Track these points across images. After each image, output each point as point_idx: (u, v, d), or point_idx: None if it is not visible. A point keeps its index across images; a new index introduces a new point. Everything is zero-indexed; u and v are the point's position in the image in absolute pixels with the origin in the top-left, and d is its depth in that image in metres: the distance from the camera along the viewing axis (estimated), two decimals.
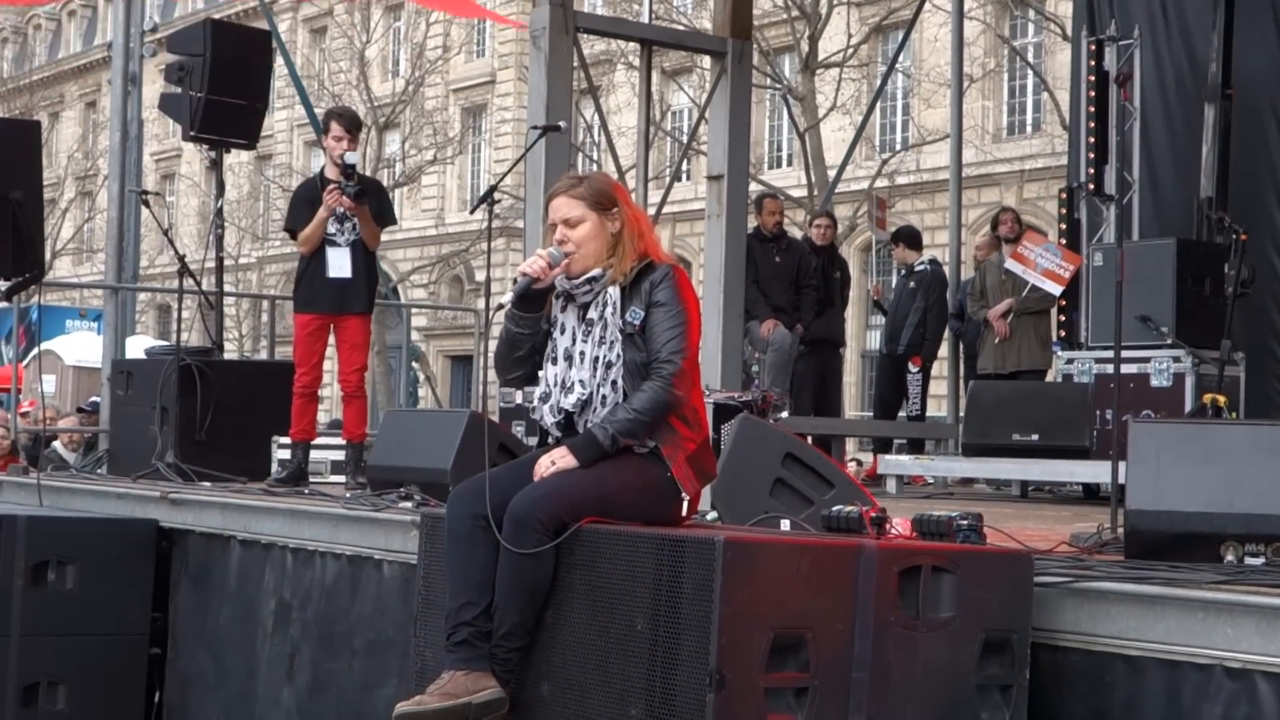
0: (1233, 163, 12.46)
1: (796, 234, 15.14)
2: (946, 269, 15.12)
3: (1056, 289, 12.78)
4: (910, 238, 14.71)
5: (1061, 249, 12.97)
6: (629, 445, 5.11)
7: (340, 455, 10.05)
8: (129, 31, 14.15)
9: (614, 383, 5.18)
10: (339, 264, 9.51)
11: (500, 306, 5.30)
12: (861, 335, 31.79)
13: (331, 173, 9.64)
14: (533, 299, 5.25)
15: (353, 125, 9.75)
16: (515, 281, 5.26)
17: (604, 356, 5.19)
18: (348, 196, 9.41)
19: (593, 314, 5.23)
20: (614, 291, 5.21)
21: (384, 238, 9.98)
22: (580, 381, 5.20)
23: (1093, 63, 13.37)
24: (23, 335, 19.80)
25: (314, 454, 10.01)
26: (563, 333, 5.29)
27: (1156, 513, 5.27)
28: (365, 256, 9.66)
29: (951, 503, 10.29)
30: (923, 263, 14.33)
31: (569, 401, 5.22)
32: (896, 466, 11.72)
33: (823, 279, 13.52)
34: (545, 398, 5.30)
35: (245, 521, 8.22)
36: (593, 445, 5.08)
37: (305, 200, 9.67)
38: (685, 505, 5.20)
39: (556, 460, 5.08)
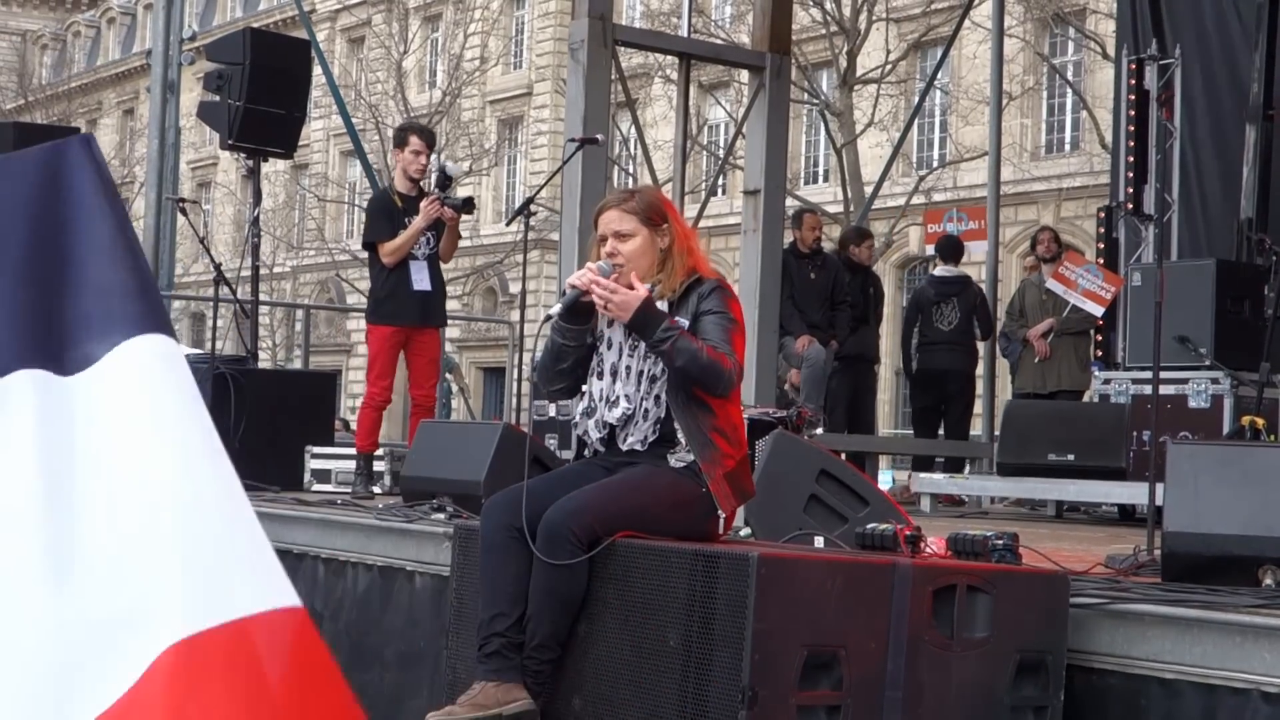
0: (1273, 184, 12.39)
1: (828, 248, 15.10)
2: (984, 286, 15.05)
3: (1098, 310, 12.71)
4: (941, 249, 14.66)
5: (1103, 270, 12.91)
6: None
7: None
8: (168, 39, 14.19)
9: (658, 397, 5.16)
10: (419, 277, 9.65)
11: (548, 318, 5.28)
12: (895, 352, 31.65)
13: (402, 185, 9.81)
14: (580, 312, 5.23)
15: (431, 140, 9.93)
16: (564, 294, 5.25)
17: (649, 371, 5.18)
18: (450, 208, 9.54)
19: None
20: (661, 306, 5.20)
21: None
22: (625, 396, 5.19)
23: (1133, 81, 13.32)
24: None
25: (345, 464, 10.04)
26: (609, 348, 5.27)
27: (1194, 535, 5.23)
28: (439, 270, 9.80)
29: (986, 522, 10.23)
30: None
31: (613, 415, 5.20)
32: (931, 485, 11.67)
33: (860, 295, 13.49)
34: (590, 412, 5.28)
35: (277, 531, 8.19)
36: (651, 320, 5.02)
37: (384, 213, 9.77)
38: (720, 522, 5.18)
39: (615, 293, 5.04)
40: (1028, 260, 15.35)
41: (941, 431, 14.02)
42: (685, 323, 5.15)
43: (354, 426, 15.48)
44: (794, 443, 6.52)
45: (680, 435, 5.15)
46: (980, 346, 14.34)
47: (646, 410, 5.17)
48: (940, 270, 14.11)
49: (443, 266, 9.93)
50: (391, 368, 9.79)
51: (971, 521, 10.32)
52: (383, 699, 7.21)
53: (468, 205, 9.69)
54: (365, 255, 10.16)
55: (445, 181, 9.72)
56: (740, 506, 5.38)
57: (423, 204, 9.60)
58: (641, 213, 5.27)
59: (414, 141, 9.83)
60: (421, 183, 9.89)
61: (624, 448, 5.21)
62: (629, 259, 5.22)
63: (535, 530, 4.95)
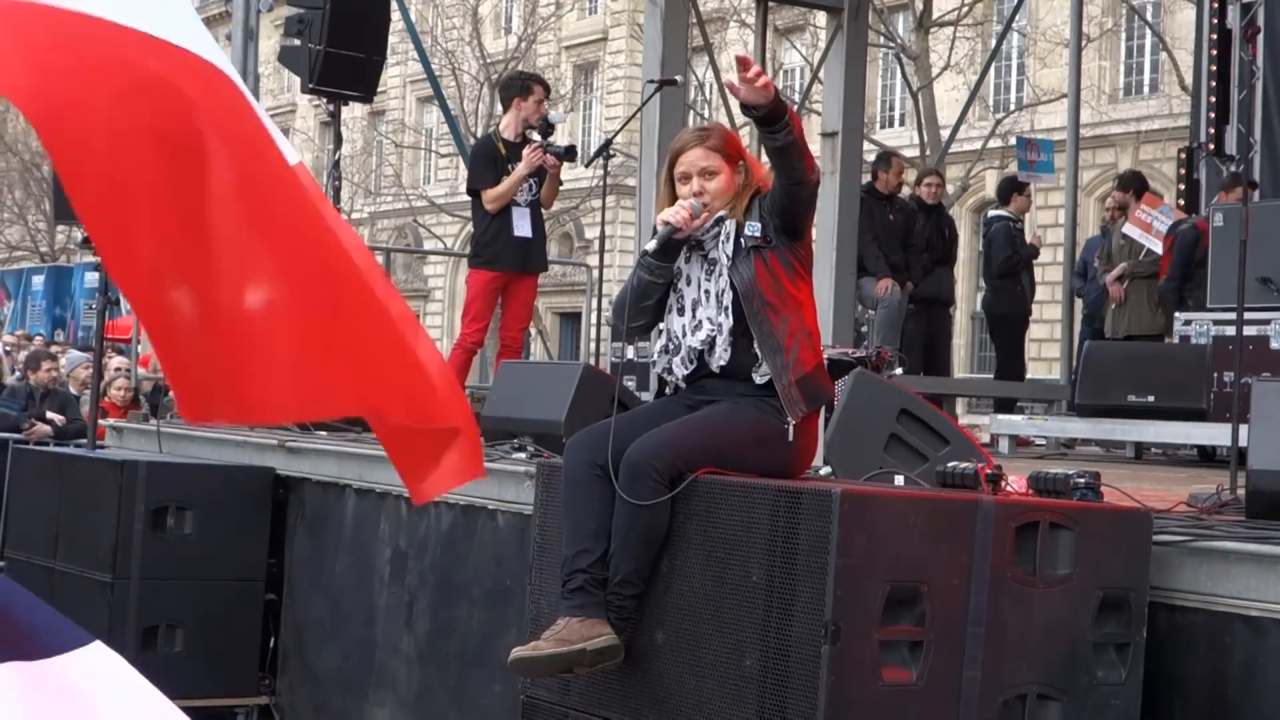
0: None
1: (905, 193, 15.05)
2: (1061, 230, 14.97)
3: (1160, 249, 12.65)
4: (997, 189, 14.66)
5: (1175, 211, 12.82)
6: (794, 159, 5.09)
7: None
8: None
9: (726, 308, 5.17)
10: (521, 223, 9.85)
11: (644, 254, 5.31)
12: (971, 297, 31.53)
13: (509, 132, 10.05)
14: (671, 249, 5.26)
15: (549, 90, 10.25)
16: (655, 230, 5.26)
17: (721, 289, 5.22)
18: (553, 155, 9.72)
19: (714, 254, 5.23)
20: (730, 224, 5.22)
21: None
22: (708, 319, 5.21)
23: (1215, 20, 13.18)
24: None
25: None
26: (688, 284, 5.29)
27: (1279, 472, 5.21)
28: (540, 216, 9.96)
29: (1066, 463, 10.19)
30: None
31: (697, 339, 5.21)
32: (1009, 427, 11.63)
33: (939, 236, 13.43)
34: (672, 349, 5.29)
35: (360, 470, 8.30)
36: (780, 101, 4.99)
37: (488, 160, 9.97)
38: (792, 431, 5.12)
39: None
40: (1108, 201, 15.23)
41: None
42: (758, 225, 5.17)
43: None
44: (874, 382, 6.53)
45: (755, 347, 5.15)
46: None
47: (721, 325, 5.18)
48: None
49: (543, 213, 10.12)
50: (488, 312, 9.98)
51: (1051, 462, 10.29)
52: (471, 636, 7.30)
53: (570, 153, 9.90)
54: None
55: (548, 129, 9.90)
56: (818, 413, 5.31)
57: (525, 151, 9.76)
58: (722, 150, 5.28)
59: (538, 91, 10.14)
60: (526, 131, 10.07)
61: (716, 369, 5.21)
62: (714, 196, 5.23)
63: (618, 467, 4.99)
